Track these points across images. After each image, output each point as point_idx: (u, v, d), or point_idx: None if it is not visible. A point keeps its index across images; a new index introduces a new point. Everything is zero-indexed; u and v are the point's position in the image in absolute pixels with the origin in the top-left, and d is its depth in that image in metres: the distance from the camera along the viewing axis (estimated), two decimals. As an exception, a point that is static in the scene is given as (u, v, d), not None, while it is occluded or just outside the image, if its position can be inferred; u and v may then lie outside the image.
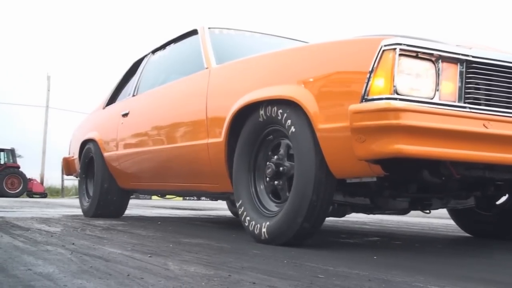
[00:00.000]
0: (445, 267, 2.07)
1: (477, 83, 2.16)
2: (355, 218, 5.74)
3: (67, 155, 5.63)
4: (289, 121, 2.44)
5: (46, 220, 4.06)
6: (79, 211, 5.78)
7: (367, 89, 2.06)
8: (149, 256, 2.05)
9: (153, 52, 4.44)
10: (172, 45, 4.12)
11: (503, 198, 3.26)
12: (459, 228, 3.67)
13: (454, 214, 3.54)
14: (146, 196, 15.28)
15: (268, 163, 2.63)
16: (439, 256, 2.47)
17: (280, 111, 2.50)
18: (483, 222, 3.36)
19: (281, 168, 2.55)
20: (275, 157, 2.60)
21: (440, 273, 1.89)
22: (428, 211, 2.97)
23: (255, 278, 1.62)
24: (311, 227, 2.40)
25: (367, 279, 1.67)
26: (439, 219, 6.07)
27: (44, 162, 25.25)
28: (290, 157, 2.55)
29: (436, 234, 3.89)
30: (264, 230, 2.54)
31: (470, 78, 2.14)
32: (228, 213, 6.56)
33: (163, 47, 4.27)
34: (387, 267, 1.94)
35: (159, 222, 4.24)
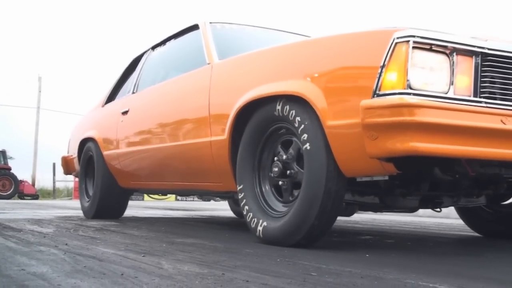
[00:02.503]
0: (437, 265, 2.09)
1: (492, 77, 2.07)
2: (347, 217, 5.76)
3: (65, 154, 5.58)
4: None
5: (38, 221, 4.05)
6: (71, 213, 5.77)
7: (379, 83, 1.99)
8: (143, 256, 2.05)
9: (153, 48, 4.38)
10: (172, 40, 4.05)
11: None
12: (450, 227, 3.69)
13: (463, 213, 3.47)
14: (138, 197, 15.25)
15: (275, 161, 2.55)
16: (431, 254, 2.49)
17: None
18: (494, 221, 3.29)
19: (288, 172, 2.47)
20: (284, 156, 2.51)
21: (432, 271, 1.90)
22: (439, 210, 2.89)
23: (248, 276, 1.63)
24: (322, 227, 2.34)
25: (359, 276, 1.68)
26: (431, 218, 6.11)
27: (35, 163, 25.16)
28: (298, 159, 2.45)
29: (427, 232, 3.91)
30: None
31: (486, 71, 2.06)
32: (220, 213, 6.55)
33: (163, 43, 4.21)
34: (380, 265, 1.96)
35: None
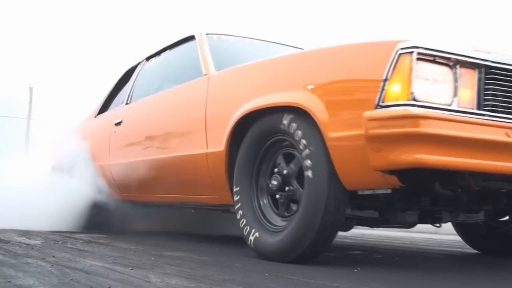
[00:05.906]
0: (425, 281, 2.09)
1: (495, 90, 2.07)
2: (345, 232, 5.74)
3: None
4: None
5: (26, 233, 4.01)
6: (59, 224, 5.70)
7: (383, 95, 1.97)
8: (131, 269, 2.04)
9: (148, 59, 4.34)
10: (168, 51, 4.01)
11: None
12: (440, 243, 3.69)
13: (460, 228, 3.42)
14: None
15: (274, 173, 2.50)
16: (419, 270, 2.50)
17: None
18: (490, 237, 3.25)
19: (286, 188, 2.42)
20: (284, 171, 2.44)
21: (420, 286, 1.91)
22: (438, 225, 2.87)
23: (236, 290, 1.63)
24: (322, 243, 2.31)
25: (347, 291, 1.69)
26: (420, 234, 6.12)
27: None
28: (299, 175, 2.40)
29: (417, 248, 3.92)
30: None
31: (489, 84, 2.06)
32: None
33: (158, 53, 4.16)
34: (368, 280, 1.96)
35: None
